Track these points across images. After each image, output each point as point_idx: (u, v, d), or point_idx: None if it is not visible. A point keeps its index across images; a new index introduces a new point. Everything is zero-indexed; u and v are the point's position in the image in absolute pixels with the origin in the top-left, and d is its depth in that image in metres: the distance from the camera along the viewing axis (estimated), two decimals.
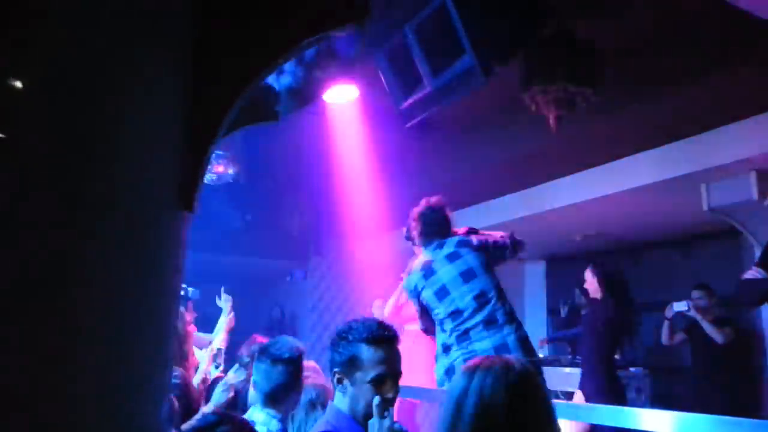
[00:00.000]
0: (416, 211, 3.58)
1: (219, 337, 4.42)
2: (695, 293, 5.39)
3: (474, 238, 3.50)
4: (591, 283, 5.01)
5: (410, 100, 3.74)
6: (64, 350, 0.65)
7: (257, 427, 2.15)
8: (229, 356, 4.22)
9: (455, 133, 5.75)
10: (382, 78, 3.80)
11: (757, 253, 4.40)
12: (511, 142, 5.33)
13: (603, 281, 4.91)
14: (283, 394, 2.36)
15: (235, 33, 0.89)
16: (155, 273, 0.77)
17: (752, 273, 3.48)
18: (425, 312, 3.48)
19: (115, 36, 0.74)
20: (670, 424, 2.46)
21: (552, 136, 4.70)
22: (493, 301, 3.25)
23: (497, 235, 3.64)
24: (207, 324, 4.65)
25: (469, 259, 3.35)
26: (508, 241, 3.59)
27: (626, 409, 3.19)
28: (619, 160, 5.39)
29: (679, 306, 5.37)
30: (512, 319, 3.26)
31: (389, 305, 5.42)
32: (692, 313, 5.28)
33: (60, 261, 0.64)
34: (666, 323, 5.60)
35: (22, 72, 0.63)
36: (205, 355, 4.17)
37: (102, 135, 0.70)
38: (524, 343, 3.22)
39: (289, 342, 2.51)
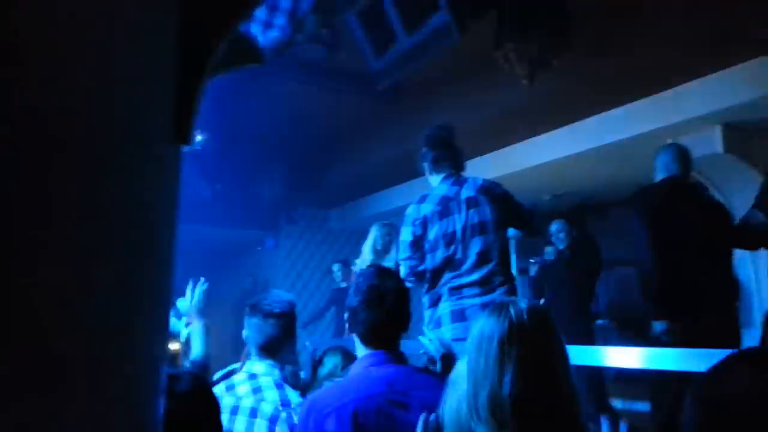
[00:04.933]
0: (424, 134, 3.37)
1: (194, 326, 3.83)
2: None
3: (498, 188, 3.31)
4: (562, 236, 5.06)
5: (384, 60, 3.72)
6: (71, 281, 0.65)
7: (260, 378, 2.27)
8: None
9: (424, 96, 5.73)
10: (355, 38, 3.77)
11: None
12: (481, 104, 5.33)
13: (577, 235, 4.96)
14: (276, 346, 2.39)
15: None
16: (157, 205, 0.79)
17: (753, 214, 3.24)
18: (415, 244, 3.23)
19: None
20: (639, 359, 2.59)
21: (520, 97, 4.71)
22: (493, 263, 3.11)
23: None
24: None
25: (487, 211, 3.15)
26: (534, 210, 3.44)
27: (599, 348, 3.25)
28: (588, 118, 5.46)
29: None
30: (505, 282, 3.13)
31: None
32: None
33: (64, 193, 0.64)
34: None
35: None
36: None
37: (99, 71, 0.68)
38: None
39: (279, 296, 2.50)
